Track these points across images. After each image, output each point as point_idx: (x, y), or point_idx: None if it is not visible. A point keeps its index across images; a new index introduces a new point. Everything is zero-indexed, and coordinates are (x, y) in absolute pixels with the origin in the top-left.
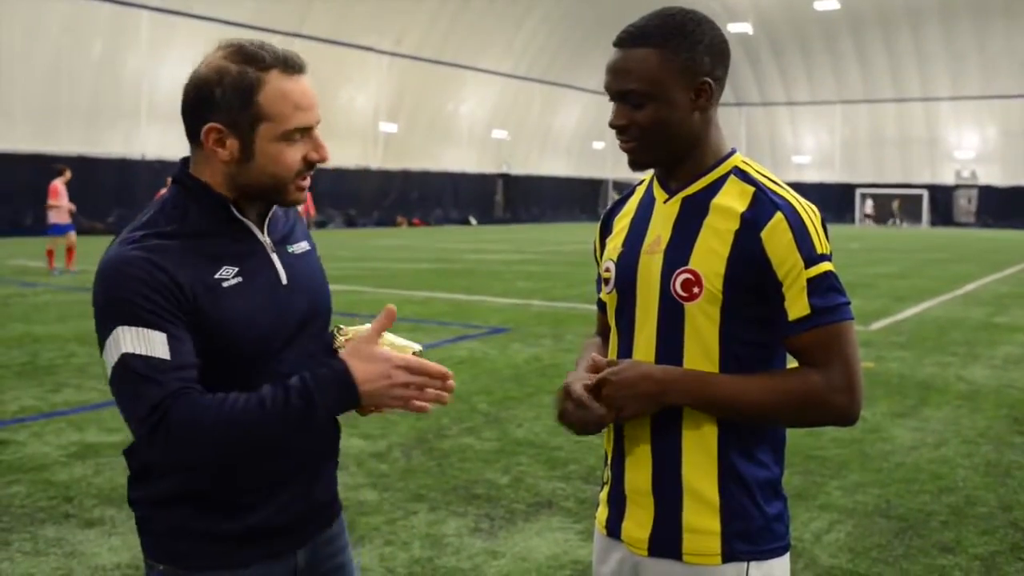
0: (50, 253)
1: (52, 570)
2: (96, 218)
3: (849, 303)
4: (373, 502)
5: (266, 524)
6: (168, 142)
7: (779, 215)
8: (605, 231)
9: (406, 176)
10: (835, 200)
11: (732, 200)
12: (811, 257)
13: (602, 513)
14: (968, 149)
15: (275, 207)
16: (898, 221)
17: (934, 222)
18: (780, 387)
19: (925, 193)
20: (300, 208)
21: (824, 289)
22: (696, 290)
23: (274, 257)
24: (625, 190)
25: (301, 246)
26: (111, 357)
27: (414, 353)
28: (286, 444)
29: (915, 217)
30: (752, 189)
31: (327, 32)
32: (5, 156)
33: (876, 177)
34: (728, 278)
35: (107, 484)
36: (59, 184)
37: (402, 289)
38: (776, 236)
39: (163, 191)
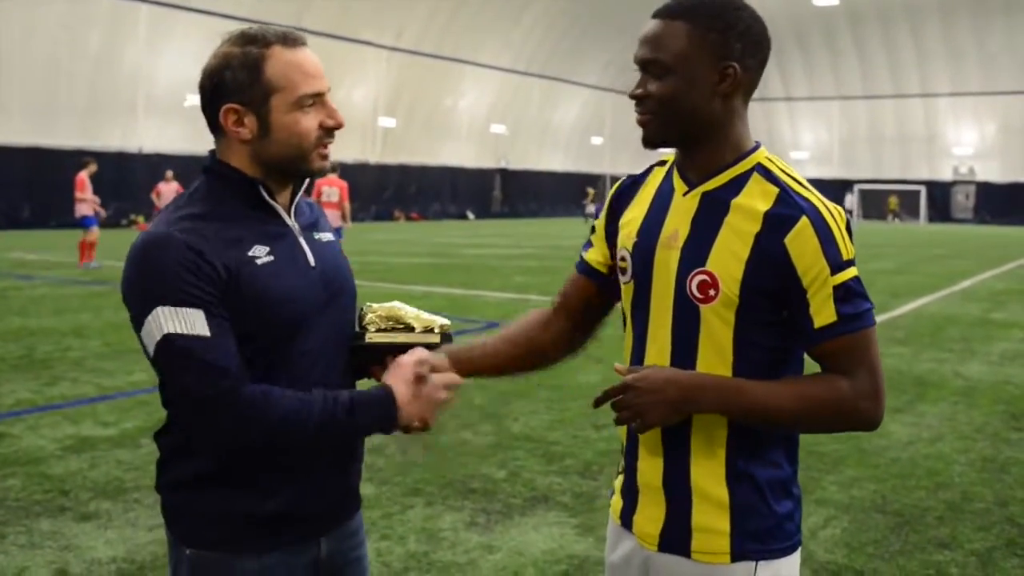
0: (82, 246)
1: (47, 563)
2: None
3: (872, 307)
4: (370, 496)
5: (295, 510)
6: (166, 135)
7: (804, 219)
8: (617, 207)
9: (404, 170)
10: (833, 196)
11: (754, 200)
12: (837, 263)
13: (616, 503)
14: (967, 145)
15: (299, 197)
16: (896, 217)
17: (932, 218)
18: (809, 395)
19: (923, 189)
20: (334, 204)
21: (851, 296)
22: (712, 292)
23: (302, 240)
24: (638, 173)
25: (326, 235)
26: (152, 338)
27: (440, 327)
28: (323, 447)
29: (913, 213)
30: (776, 190)
31: (326, 26)
32: (2, 149)
33: (874, 173)
34: (746, 282)
35: (102, 478)
36: (84, 176)
37: (400, 283)
38: (802, 242)
39: (160, 184)
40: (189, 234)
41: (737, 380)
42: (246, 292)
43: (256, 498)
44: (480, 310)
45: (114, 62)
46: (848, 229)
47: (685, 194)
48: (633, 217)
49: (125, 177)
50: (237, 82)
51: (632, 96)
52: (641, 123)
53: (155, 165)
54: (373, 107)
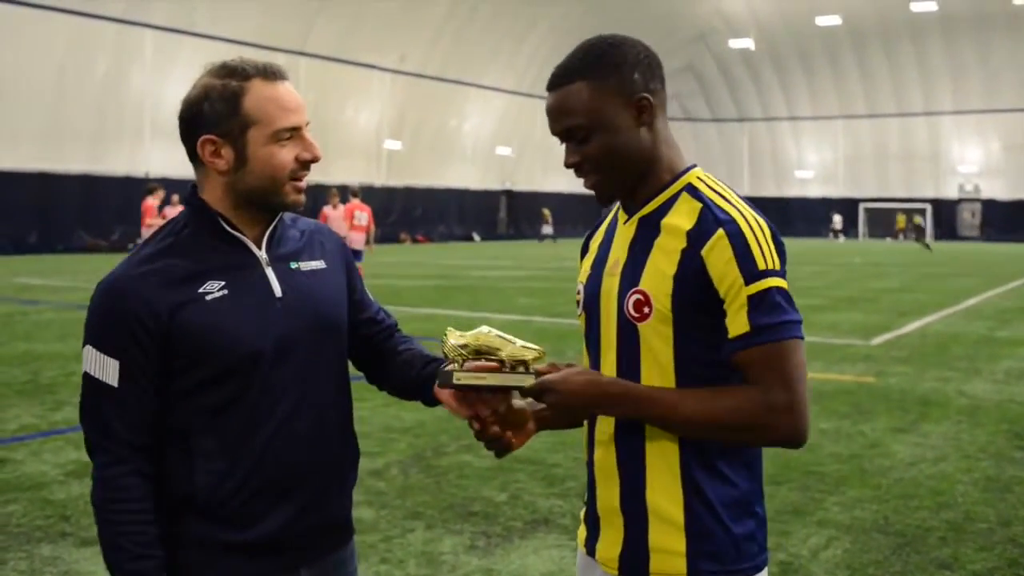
0: None
1: None
2: (100, 236)
3: (797, 321)
4: (370, 520)
5: (272, 540)
6: (172, 160)
7: (720, 231)
8: (584, 252)
9: (409, 193)
10: (839, 214)
11: (680, 218)
12: (752, 273)
13: (581, 532)
14: (971, 163)
15: (284, 225)
16: (913, 235)
17: (938, 236)
18: (719, 404)
19: (928, 207)
20: (363, 227)
21: (767, 306)
22: (647, 310)
23: (269, 271)
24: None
25: (312, 264)
26: (83, 369)
27: (533, 360)
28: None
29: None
30: (699, 206)
31: (331, 50)
32: (9, 175)
33: (879, 192)
34: (676, 297)
35: None
36: (152, 202)
37: (405, 306)
38: (716, 253)
39: (167, 209)
40: (137, 280)
41: (653, 389)
42: (190, 328)
43: (232, 528)
44: None
45: (120, 87)
46: (776, 241)
47: (626, 222)
48: (590, 253)
49: (131, 202)
50: (215, 114)
51: (568, 166)
52: (589, 186)
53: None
54: (378, 130)
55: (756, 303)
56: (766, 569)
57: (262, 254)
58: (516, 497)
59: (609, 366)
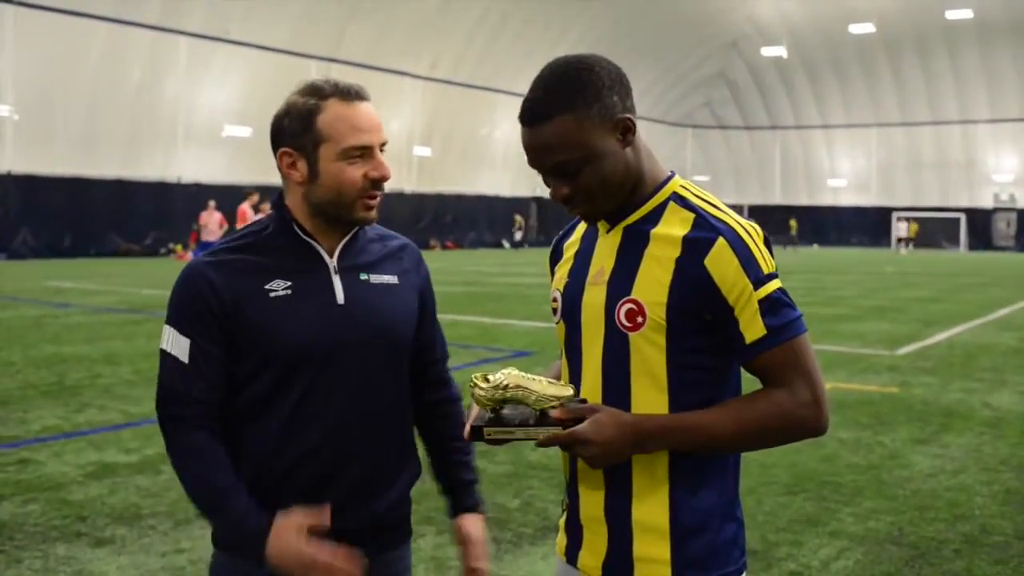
0: None
1: None
2: (133, 240)
3: (801, 315)
4: None
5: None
6: (204, 166)
7: (721, 240)
8: (555, 258)
9: (440, 199)
10: (871, 224)
11: (672, 228)
12: (759, 278)
13: (561, 540)
14: (1007, 172)
15: (364, 238)
16: (906, 245)
17: (972, 246)
18: (750, 416)
19: (963, 217)
20: None
21: (777, 307)
22: (640, 320)
23: (336, 279)
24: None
25: (384, 278)
26: (160, 345)
27: (561, 407)
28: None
29: (953, 241)
30: (692, 215)
31: (362, 57)
32: (45, 179)
33: (913, 201)
34: (671, 306)
35: (120, 503)
36: (247, 208)
37: None
38: (722, 261)
39: (203, 214)
40: (209, 266)
41: (679, 417)
42: (249, 320)
43: (276, 512)
44: (508, 339)
45: (154, 93)
46: (767, 244)
47: (608, 231)
48: (566, 259)
49: (164, 207)
50: (293, 129)
51: (558, 200)
52: (581, 214)
53: (193, 195)
54: (408, 136)
55: (767, 307)
56: (745, 572)
57: (332, 262)
58: (528, 504)
59: (593, 375)
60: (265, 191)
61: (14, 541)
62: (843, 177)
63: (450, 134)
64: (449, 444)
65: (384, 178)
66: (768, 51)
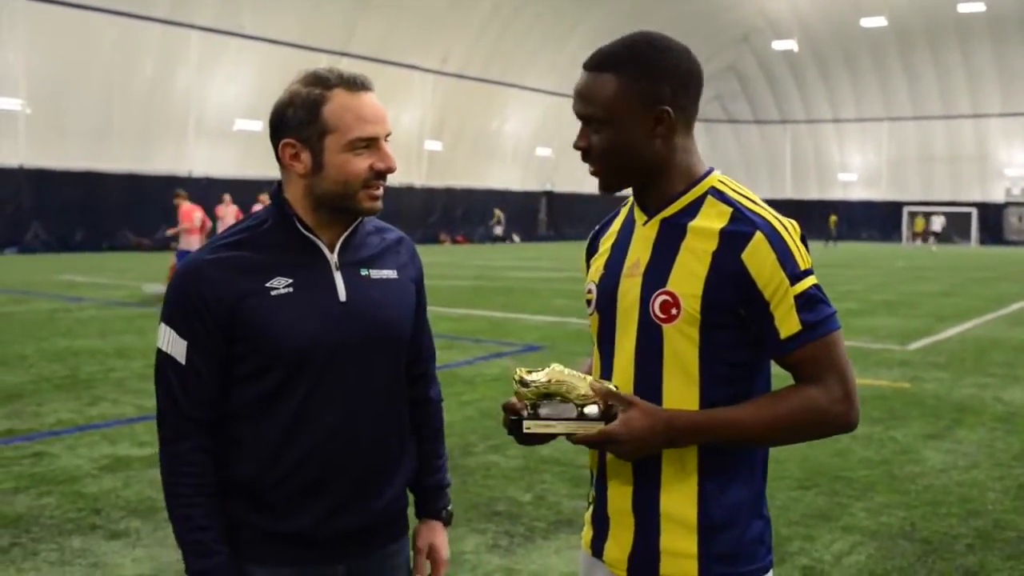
0: None
1: None
2: (144, 234)
3: (835, 312)
4: None
5: (310, 533)
6: (215, 159)
7: (759, 235)
8: (592, 251)
9: (450, 194)
10: (881, 218)
11: (710, 221)
12: (795, 274)
13: (587, 533)
14: (1019, 166)
15: (363, 231)
16: (929, 238)
17: (984, 240)
18: (783, 412)
19: (974, 211)
20: None
21: (812, 303)
22: (675, 312)
23: (337, 275)
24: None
25: (384, 272)
26: (157, 344)
27: (604, 402)
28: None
29: (964, 235)
30: (730, 209)
31: (373, 51)
32: (58, 173)
33: (924, 195)
34: (706, 299)
35: (135, 496)
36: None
37: (440, 306)
38: (759, 256)
39: (219, 207)
40: (207, 264)
41: (711, 413)
42: (251, 318)
43: (273, 517)
44: (519, 333)
45: (166, 87)
46: (803, 240)
47: (645, 223)
48: (602, 252)
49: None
50: (297, 119)
51: (575, 147)
52: (593, 173)
53: (204, 188)
54: (419, 131)
55: (803, 302)
56: (772, 571)
57: (333, 257)
58: (541, 497)
59: (625, 366)
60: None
61: (30, 534)
62: (854, 171)
63: (460, 128)
64: (426, 445)
65: (390, 169)
66: (779, 44)
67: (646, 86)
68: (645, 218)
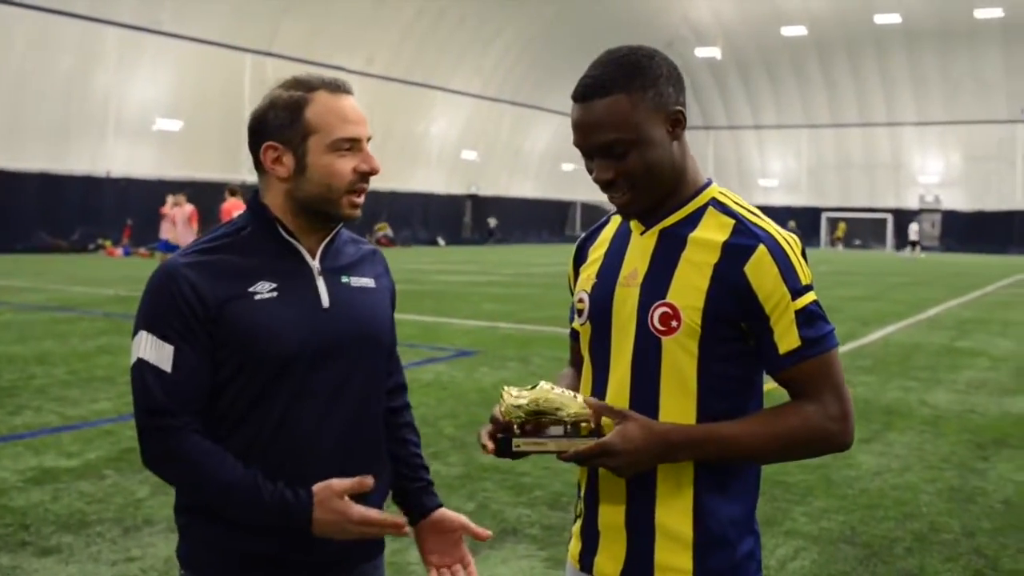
0: None
1: None
2: (60, 236)
3: (834, 329)
4: None
5: (287, 554)
6: (134, 159)
7: (762, 248)
8: (579, 259)
9: (375, 196)
10: (802, 224)
11: (711, 233)
12: (797, 288)
13: (575, 546)
14: (932, 174)
15: (341, 240)
16: (840, 243)
17: (898, 246)
18: (781, 429)
19: (890, 217)
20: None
21: (812, 319)
22: (675, 324)
23: (319, 281)
24: (601, 218)
25: (363, 281)
26: (133, 355)
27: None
28: (233, 517)
29: (880, 241)
30: (732, 221)
31: (297, 51)
32: None
33: (842, 201)
34: (707, 311)
35: (65, 510)
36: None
37: None
38: (761, 270)
39: (174, 209)
40: (193, 267)
41: (708, 428)
42: (235, 323)
43: (250, 538)
44: (450, 338)
45: (84, 85)
46: (804, 255)
47: (643, 233)
48: (593, 260)
49: (92, 202)
50: (279, 122)
51: (600, 182)
52: (621, 203)
53: (123, 189)
54: None
55: (804, 318)
56: None
57: (315, 264)
58: (484, 506)
59: (621, 378)
60: (198, 189)
61: None
62: (774, 177)
63: (386, 130)
64: (410, 449)
65: (374, 171)
66: (702, 52)
67: (655, 94)
68: (643, 228)
